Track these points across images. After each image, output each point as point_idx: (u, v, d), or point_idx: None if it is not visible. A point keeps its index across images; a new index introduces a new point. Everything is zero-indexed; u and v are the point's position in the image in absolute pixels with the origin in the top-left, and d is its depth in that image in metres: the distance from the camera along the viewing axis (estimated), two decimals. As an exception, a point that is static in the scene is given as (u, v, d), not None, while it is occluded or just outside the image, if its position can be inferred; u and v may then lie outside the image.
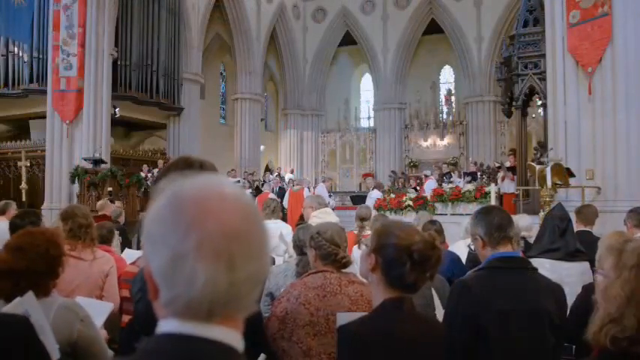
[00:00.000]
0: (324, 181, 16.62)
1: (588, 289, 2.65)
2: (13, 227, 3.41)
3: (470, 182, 11.89)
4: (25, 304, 1.86)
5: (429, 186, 13.11)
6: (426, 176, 15.22)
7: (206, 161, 1.59)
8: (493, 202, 8.56)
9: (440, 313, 2.47)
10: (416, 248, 1.61)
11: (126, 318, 3.42)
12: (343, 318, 1.83)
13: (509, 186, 11.22)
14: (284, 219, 12.15)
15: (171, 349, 0.71)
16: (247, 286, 0.73)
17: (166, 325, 0.73)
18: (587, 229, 4.49)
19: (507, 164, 12.30)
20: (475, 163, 15.70)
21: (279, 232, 5.59)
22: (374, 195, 13.20)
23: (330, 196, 14.67)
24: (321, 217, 4.13)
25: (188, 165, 1.53)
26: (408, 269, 1.61)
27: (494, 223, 2.13)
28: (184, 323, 0.72)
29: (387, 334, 1.61)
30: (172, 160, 1.65)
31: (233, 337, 0.73)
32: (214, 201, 0.72)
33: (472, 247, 3.86)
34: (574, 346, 2.85)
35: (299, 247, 2.90)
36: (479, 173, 13.71)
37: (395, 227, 1.72)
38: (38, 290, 1.95)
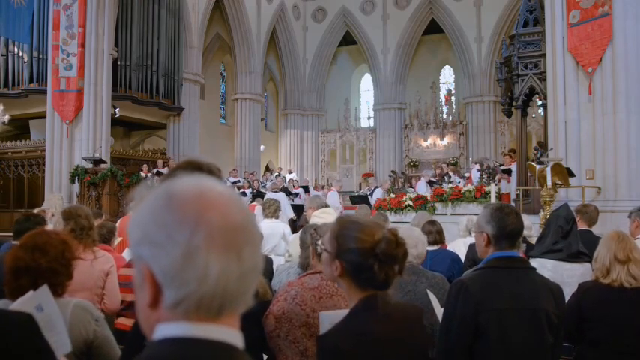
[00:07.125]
0: (332, 186, 16.16)
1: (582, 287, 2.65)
2: (17, 230, 3.40)
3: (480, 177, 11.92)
4: (38, 297, 1.86)
5: (420, 188, 13.19)
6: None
7: (212, 165, 1.58)
8: (493, 202, 8.55)
9: (439, 313, 2.47)
10: (380, 250, 1.56)
11: (125, 321, 3.41)
12: (326, 318, 1.74)
13: (505, 187, 11.22)
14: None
15: (177, 356, 0.70)
16: (252, 277, 0.75)
17: (171, 328, 0.72)
18: (587, 228, 4.48)
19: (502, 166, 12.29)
20: (475, 163, 15.67)
21: (281, 231, 5.64)
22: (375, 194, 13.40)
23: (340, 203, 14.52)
24: (321, 217, 4.18)
25: (197, 169, 1.51)
26: (377, 270, 1.56)
27: (507, 229, 2.07)
28: (191, 324, 0.71)
29: (366, 337, 1.56)
30: (179, 163, 1.62)
31: (235, 335, 0.74)
32: (212, 197, 0.74)
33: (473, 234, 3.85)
34: (574, 346, 2.85)
35: (302, 246, 2.93)
36: (479, 173, 13.69)
37: (353, 228, 1.63)
38: (55, 290, 1.98)
